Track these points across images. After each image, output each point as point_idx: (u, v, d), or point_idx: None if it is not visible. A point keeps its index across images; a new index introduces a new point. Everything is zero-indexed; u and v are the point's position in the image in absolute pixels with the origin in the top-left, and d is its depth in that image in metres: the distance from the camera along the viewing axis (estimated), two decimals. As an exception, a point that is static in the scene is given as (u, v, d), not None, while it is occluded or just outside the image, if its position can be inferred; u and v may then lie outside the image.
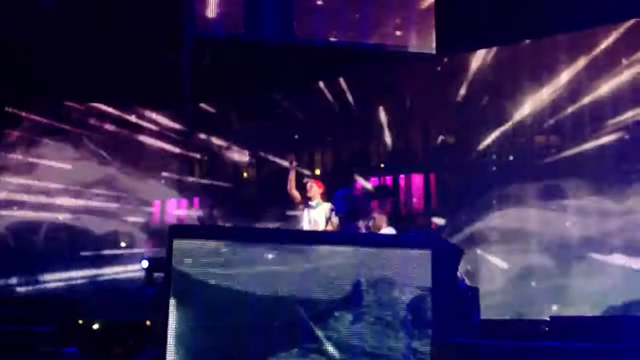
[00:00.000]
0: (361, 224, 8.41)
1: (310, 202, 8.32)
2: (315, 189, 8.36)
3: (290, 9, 11.39)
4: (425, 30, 11.58)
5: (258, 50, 12.45)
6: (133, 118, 16.22)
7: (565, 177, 12.73)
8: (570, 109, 12.87)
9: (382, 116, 14.84)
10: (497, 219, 13.26)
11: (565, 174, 12.73)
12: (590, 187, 12.42)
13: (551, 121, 13.29)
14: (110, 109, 15.98)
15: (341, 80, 14.82)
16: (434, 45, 11.48)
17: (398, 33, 11.83)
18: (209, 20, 11.48)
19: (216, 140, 16.27)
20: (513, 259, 12.81)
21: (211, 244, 6.99)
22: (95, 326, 11.34)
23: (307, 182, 8.45)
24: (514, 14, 11.33)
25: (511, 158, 13.88)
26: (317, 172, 15.85)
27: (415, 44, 11.63)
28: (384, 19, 11.88)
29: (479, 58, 13.71)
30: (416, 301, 7.15)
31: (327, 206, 8.22)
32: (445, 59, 14.14)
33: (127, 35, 12.21)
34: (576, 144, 12.89)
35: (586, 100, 12.67)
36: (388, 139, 14.95)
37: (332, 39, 11.75)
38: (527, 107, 13.30)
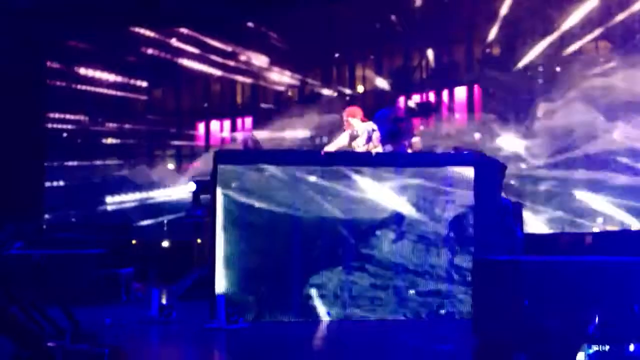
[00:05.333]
0: (404, 143, 8.39)
1: (355, 133, 8.10)
2: (351, 123, 8.08)
3: None
4: None
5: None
6: (174, 41, 16.23)
7: (614, 87, 12.37)
8: (619, 17, 12.40)
9: (424, 30, 14.54)
10: (543, 132, 13.07)
11: (615, 84, 12.37)
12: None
13: (600, 30, 12.83)
14: (151, 33, 15.98)
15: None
16: None
17: None
18: None
19: (257, 62, 16.21)
20: (559, 173, 12.69)
21: (255, 168, 7.11)
22: (147, 248, 11.75)
23: (346, 121, 8.15)
24: None
25: (558, 69, 13.52)
26: (360, 89, 15.74)
27: None
28: None
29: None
30: (458, 218, 7.21)
31: (367, 126, 8.09)
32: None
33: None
34: (626, 53, 12.46)
35: (636, 7, 12.18)
36: (431, 53, 14.70)
37: None
38: (575, 16, 12.85)
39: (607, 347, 4.56)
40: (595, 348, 4.58)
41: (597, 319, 4.70)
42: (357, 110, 8.19)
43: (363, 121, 8.06)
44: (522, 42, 13.90)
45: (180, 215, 12.05)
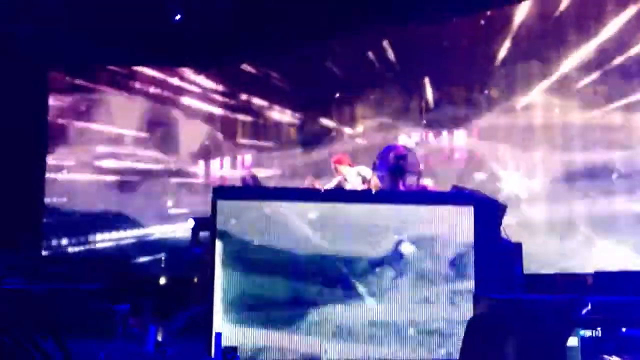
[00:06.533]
0: (405, 181, 8.41)
1: (346, 182, 8.25)
2: (340, 170, 8.22)
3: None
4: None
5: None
6: (176, 81, 16.38)
7: (612, 129, 12.48)
8: (617, 61, 12.54)
9: (424, 71, 14.68)
10: (542, 174, 13.12)
11: (613, 126, 12.48)
12: (638, 139, 12.18)
13: (598, 73, 12.97)
14: (153, 72, 16.14)
15: (382, 36, 14.67)
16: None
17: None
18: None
19: (258, 101, 16.33)
20: (558, 214, 12.68)
21: (254, 205, 7.11)
22: (143, 283, 11.67)
23: (334, 168, 8.28)
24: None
25: (557, 111, 13.62)
26: (359, 128, 15.84)
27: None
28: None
29: (523, 10, 13.42)
30: (458, 257, 7.20)
31: (357, 170, 8.18)
32: (489, 13, 13.90)
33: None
34: (624, 96, 12.58)
35: (633, 51, 12.32)
36: (430, 94, 14.81)
37: None
38: (574, 59, 13.00)
39: (599, 331, 4.56)
40: (587, 333, 4.57)
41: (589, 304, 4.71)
42: (344, 157, 8.36)
43: (351, 166, 8.16)
44: (520, 84, 14.02)
45: (178, 251, 12.03)
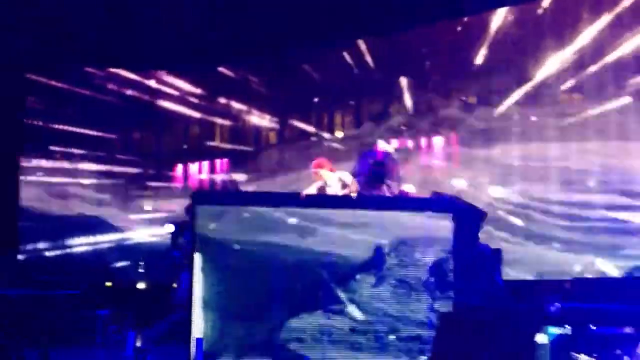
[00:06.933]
0: (384, 187, 8.43)
1: (324, 185, 8.15)
2: (320, 175, 8.11)
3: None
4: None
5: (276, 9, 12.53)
6: (153, 83, 16.28)
7: (588, 137, 12.62)
8: (593, 68, 12.70)
9: (402, 77, 14.74)
10: (519, 181, 13.22)
11: (589, 134, 12.63)
12: (614, 146, 12.31)
13: (574, 81, 13.11)
14: (130, 75, 16.04)
15: (360, 42, 14.71)
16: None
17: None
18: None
19: (237, 105, 16.30)
20: (535, 221, 12.80)
21: (233, 210, 7.10)
22: (122, 289, 11.58)
23: (314, 173, 8.16)
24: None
25: (534, 119, 13.75)
26: (339, 134, 15.86)
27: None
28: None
29: (499, 17, 13.53)
30: (438, 263, 7.24)
31: (338, 175, 8.13)
32: (466, 19, 13.99)
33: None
34: (600, 104, 12.73)
35: (609, 59, 12.48)
36: (409, 100, 14.87)
37: None
38: (550, 66, 13.13)
39: (568, 329, 4.61)
40: (557, 331, 4.62)
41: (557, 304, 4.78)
42: (324, 162, 8.26)
43: (332, 171, 8.11)
44: (498, 90, 14.12)
45: (158, 257, 11.94)
